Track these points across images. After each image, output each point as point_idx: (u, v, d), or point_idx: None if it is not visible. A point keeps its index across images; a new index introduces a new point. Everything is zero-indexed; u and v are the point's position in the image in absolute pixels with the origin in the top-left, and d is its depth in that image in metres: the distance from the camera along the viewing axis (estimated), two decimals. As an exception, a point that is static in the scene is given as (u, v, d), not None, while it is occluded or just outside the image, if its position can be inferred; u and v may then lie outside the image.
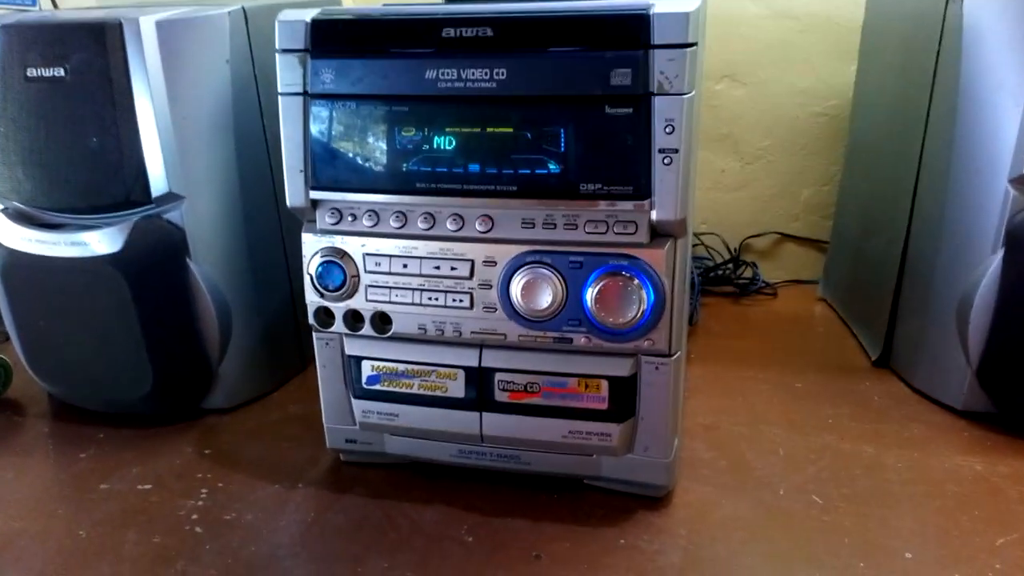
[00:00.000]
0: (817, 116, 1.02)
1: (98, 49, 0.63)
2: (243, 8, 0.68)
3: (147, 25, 0.63)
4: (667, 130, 0.48)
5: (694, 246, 1.06)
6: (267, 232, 0.74)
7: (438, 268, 0.54)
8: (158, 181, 0.65)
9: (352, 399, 0.60)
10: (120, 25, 0.63)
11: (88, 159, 0.64)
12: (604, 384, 0.55)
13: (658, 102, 0.48)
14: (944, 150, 0.70)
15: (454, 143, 0.52)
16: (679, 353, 0.55)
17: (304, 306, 0.58)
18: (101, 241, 0.66)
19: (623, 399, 0.56)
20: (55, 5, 0.95)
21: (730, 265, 1.05)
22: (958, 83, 0.68)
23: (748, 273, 1.05)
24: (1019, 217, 0.64)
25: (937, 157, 0.72)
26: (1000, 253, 0.65)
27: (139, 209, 0.66)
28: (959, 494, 0.60)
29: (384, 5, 0.56)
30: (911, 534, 0.56)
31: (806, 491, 0.61)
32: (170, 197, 0.66)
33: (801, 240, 1.07)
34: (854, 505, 0.59)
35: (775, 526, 0.57)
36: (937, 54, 0.71)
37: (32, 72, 0.64)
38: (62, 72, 0.63)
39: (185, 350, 0.70)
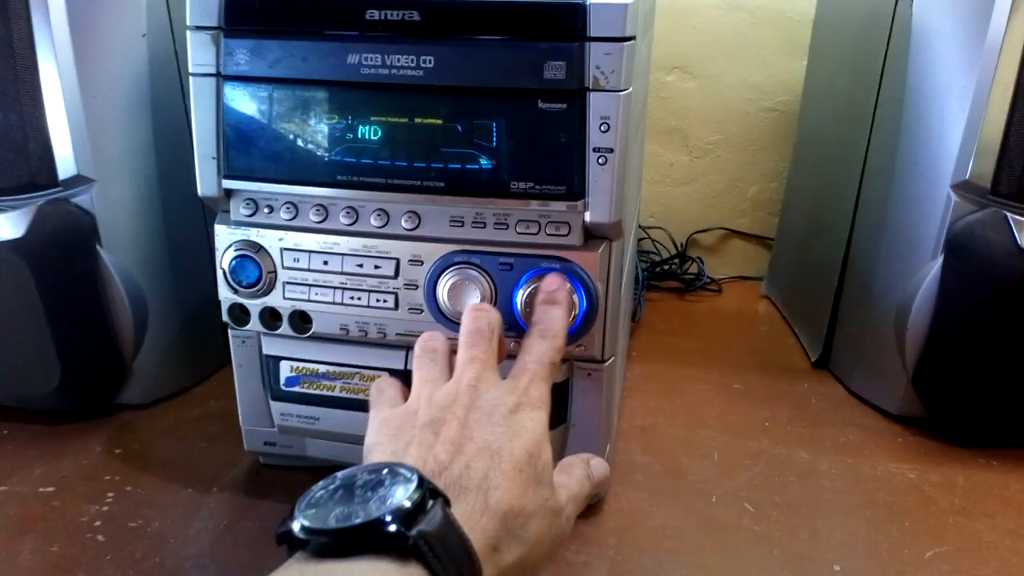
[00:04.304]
0: (767, 111, 1.01)
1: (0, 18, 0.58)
2: (162, -22, 0.64)
3: (54, -7, 0.58)
4: (602, 128, 0.46)
5: (641, 240, 1.04)
6: (188, 219, 0.69)
7: (361, 266, 0.51)
8: (66, 162, 0.61)
9: (270, 401, 0.57)
10: (24, -8, 0.58)
11: (-13, 137, 0.60)
12: (534, 390, 0.53)
13: (593, 98, 0.46)
14: (888, 151, 0.70)
15: (379, 133, 0.49)
16: (613, 359, 0.54)
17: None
18: (3, 226, 0.61)
19: (554, 405, 0.52)
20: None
21: (676, 260, 1.04)
22: (905, 84, 0.67)
23: (694, 269, 1.04)
24: (960, 224, 0.63)
25: (881, 158, 0.71)
26: (940, 260, 0.64)
27: (45, 192, 0.61)
28: (891, 503, 0.59)
29: (308, -18, 0.52)
30: (841, 545, 0.55)
31: (739, 498, 0.60)
32: (79, 180, 0.62)
33: (747, 236, 1.06)
34: (786, 514, 0.58)
35: (705, 536, 0.56)
36: (885, 54, 0.70)
37: (-77, 40, 0.58)
38: (-43, 41, 0.58)
39: (96, 343, 0.66)
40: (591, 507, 0.58)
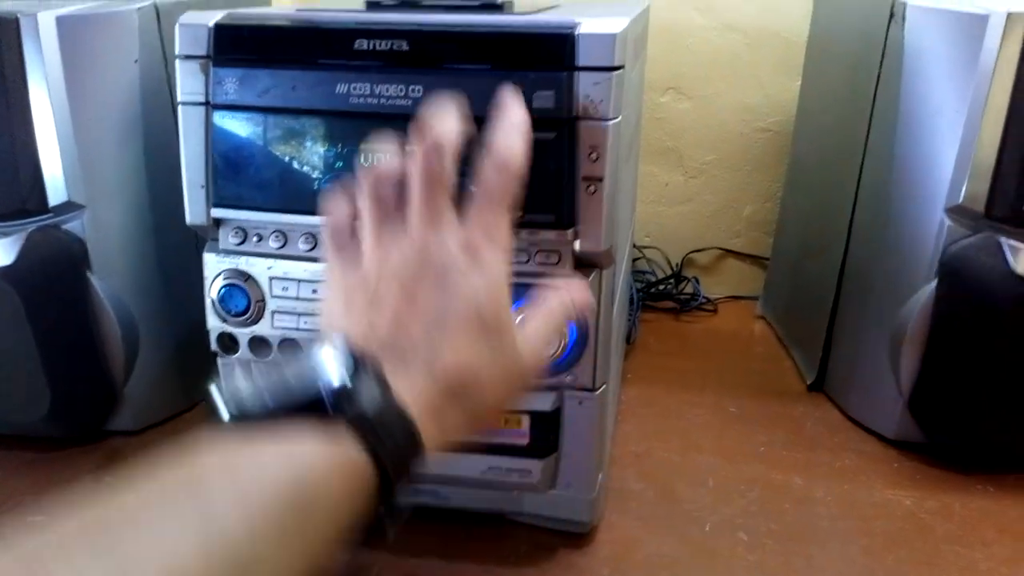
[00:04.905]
0: (762, 132, 1.01)
1: (-10, 45, 0.58)
2: (154, 4, 0.64)
3: (46, 21, 0.58)
4: (591, 157, 0.46)
5: (635, 259, 1.04)
6: (180, 244, 0.69)
7: (350, 294, 0.51)
8: (56, 189, 0.61)
9: (260, 429, 0.57)
10: (16, 20, 0.58)
11: (-22, 164, 0.59)
12: (525, 419, 0.52)
13: (582, 127, 0.45)
14: (882, 174, 0.69)
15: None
16: (604, 387, 0.53)
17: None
18: (-8, 252, 0.61)
19: (545, 434, 0.53)
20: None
21: (671, 280, 1.04)
22: (897, 106, 0.67)
23: (689, 289, 1.03)
24: (954, 248, 0.63)
25: (875, 180, 0.71)
26: (934, 283, 0.64)
27: (35, 219, 0.61)
28: (887, 531, 0.59)
29: (297, 8, 0.52)
30: (836, 575, 0.54)
31: (734, 526, 0.59)
32: (69, 206, 0.61)
33: (743, 256, 1.06)
34: (780, 543, 0.57)
35: (699, 565, 0.55)
36: (878, 75, 0.70)
37: (-85, 68, 0.58)
38: (-52, 69, 0.58)
39: (86, 369, 0.65)
40: (583, 536, 0.57)
